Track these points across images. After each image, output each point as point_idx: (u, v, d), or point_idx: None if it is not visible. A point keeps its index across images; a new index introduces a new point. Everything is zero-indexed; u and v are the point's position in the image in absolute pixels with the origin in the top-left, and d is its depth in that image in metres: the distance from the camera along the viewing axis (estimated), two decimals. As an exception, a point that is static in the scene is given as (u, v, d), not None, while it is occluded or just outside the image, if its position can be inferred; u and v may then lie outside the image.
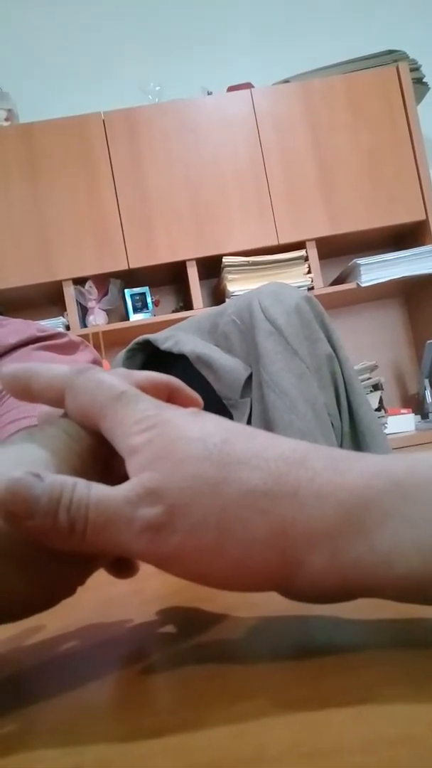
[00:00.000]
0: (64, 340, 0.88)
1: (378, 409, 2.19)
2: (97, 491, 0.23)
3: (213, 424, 0.24)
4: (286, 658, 0.23)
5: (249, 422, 1.11)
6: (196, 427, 0.24)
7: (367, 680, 0.20)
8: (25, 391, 0.29)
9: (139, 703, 0.22)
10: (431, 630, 0.23)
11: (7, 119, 2.43)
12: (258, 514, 0.22)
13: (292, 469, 0.22)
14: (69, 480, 0.23)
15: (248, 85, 2.46)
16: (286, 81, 2.47)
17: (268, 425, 1.07)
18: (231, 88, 2.48)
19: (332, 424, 1.10)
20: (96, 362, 0.92)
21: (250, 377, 1.13)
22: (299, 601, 0.24)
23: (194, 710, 0.20)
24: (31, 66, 2.66)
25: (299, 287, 2.24)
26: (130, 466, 0.24)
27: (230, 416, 1.12)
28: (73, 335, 0.92)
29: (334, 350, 1.12)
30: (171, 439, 0.23)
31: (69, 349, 0.88)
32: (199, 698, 0.21)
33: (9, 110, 2.45)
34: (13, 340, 0.84)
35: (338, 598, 0.23)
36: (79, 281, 2.31)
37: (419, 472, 0.22)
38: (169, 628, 0.30)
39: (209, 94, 2.49)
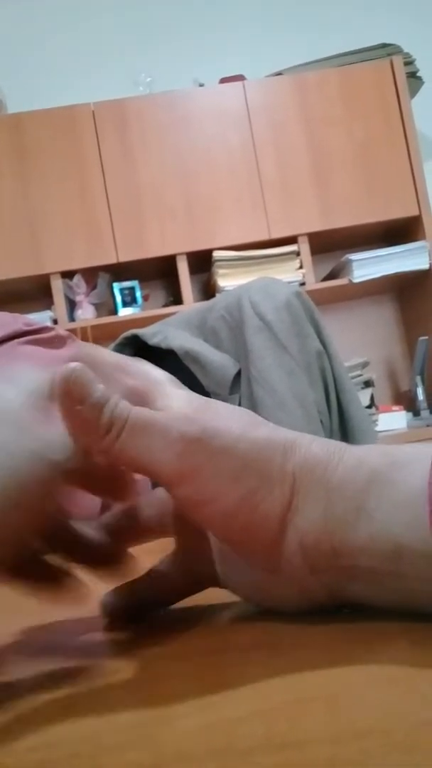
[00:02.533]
0: (51, 334, 0.86)
1: (369, 407, 2.17)
2: (141, 408, 0.26)
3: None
4: (259, 653, 0.24)
5: (237, 419, 1.09)
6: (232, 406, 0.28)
7: (340, 675, 0.20)
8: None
9: (110, 696, 0.22)
10: (404, 627, 0.23)
11: (-5, 109, 2.40)
12: (279, 455, 0.25)
13: (307, 436, 0.26)
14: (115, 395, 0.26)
15: (241, 77, 2.44)
16: (279, 74, 2.44)
17: (256, 423, 1.05)
18: (223, 80, 2.45)
19: (321, 422, 1.08)
20: None
21: (238, 373, 1.11)
22: (284, 600, 0.26)
23: (165, 704, 0.20)
24: (20, 55, 2.62)
25: (291, 283, 2.22)
26: (170, 403, 0.26)
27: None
28: (61, 329, 0.90)
29: (324, 346, 1.10)
30: (208, 401, 0.27)
31: (56, 343, 0.86)
32: (171, 692, 0.21)
33: (-3, 100, 2.42)
34: None
35: (318, 578, 0.25)
36: (68, 274, 2.28)
37: (409, 449, 0.25)
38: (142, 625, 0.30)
39: (201, 85, 2.47)
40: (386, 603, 0.24)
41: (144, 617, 0.31)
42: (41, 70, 2.62)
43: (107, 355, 0.29)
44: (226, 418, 0.26)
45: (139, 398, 0.27)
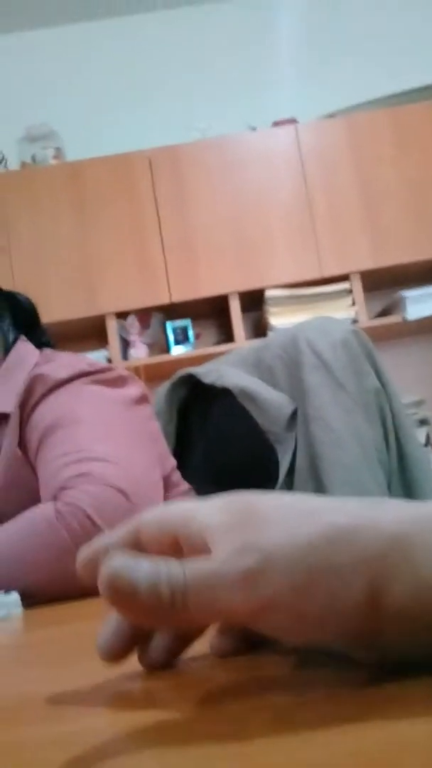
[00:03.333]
0: (113, 374, 0.89)
1: (425, 445, 2.13)
2: (190, 562, 0.24)
3: (279, 492, 0.27)
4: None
5: (294, 457, 1.08)
6: (268, 494, 0.26)
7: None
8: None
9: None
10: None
11: (55, 157, 2.50)
12: (344, 545, 0.23)
13: (372, 509, 0.24)
14: (162, 559, 0.25)
15: (293, 120, 2.49)
16: (331, 115, 2.48)
17: (313, 460, 1.04)
18: (276, 124, 2.51)
19: (380, 460, 1.07)
20: (144, 396, 0.92)
21: (295, 412, 1.11)
22: (385, 659, 0.24)
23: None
24: (78, 105, 2.73)
25: (343, 320, 2.22)
26: (215, 538, 0.25)
27: (274, 451, 1.10)
28: (122, 369, 0.92)
29: (382, 385, 1.09)
30: (249, 503, 0.26)
31: (118, 383, 0.88)
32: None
33: (57, 148, 2.52)
34: (63, 374, 0.85)
35: (418, 640, 0.23)
36: (122, 315, 2.33)
37: None
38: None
39: (254, 129, 2.52)
40: None
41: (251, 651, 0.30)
42: (99, 119, 2.72)
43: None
44: (273, 524, 0.24)
45: (176, 545, 0.27)
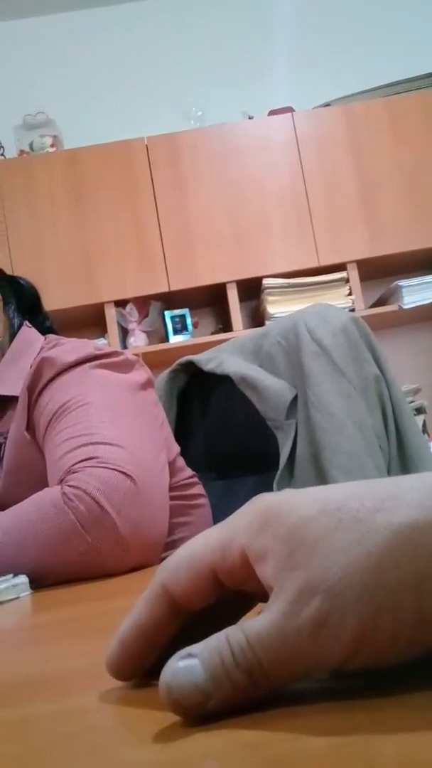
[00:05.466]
0: (121, 358, 0.89)
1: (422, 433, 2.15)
2: (251, 628, 0.21)
3: (317, 492, 0.23)
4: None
5: (294, 444, 1.09)
6: (305, 503, 0.22)
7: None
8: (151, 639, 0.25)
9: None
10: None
11: (52, 145, 2.49)
12: (414, 551, 0.20)
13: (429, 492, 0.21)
14: (220, 637, 0.21)
15: (289, 109, 2.48)
16: (327, 104, 2.48)
17: (314, 447, 1.05)
18: (272, 112, 2.50)
19: (380, 447, 1.08)
20: (150, 381, 0.92)
21: (295, 399, 1.12)
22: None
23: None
24: (76, 93, 2.72)
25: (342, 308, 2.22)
26: (263, 574, 0.22)
27: (274, 438, 1.11)
28: (129, 354, 0.92)
29: (382, 372, 1.10)
30: (292, 528, 0.22)
31: (125, 367, 0.88)
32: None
33: (54, 136, 2.51)
34: (71, 358, 0.85)
35: None
36: (121, 303, 2.33)
37: None
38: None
39: (250, 118, 2.52)
40: None
41: None
42: (96, 107, 2.71)
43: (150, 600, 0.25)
44: (327, 545, 0.21)
45: (216, 581, 0.24)
